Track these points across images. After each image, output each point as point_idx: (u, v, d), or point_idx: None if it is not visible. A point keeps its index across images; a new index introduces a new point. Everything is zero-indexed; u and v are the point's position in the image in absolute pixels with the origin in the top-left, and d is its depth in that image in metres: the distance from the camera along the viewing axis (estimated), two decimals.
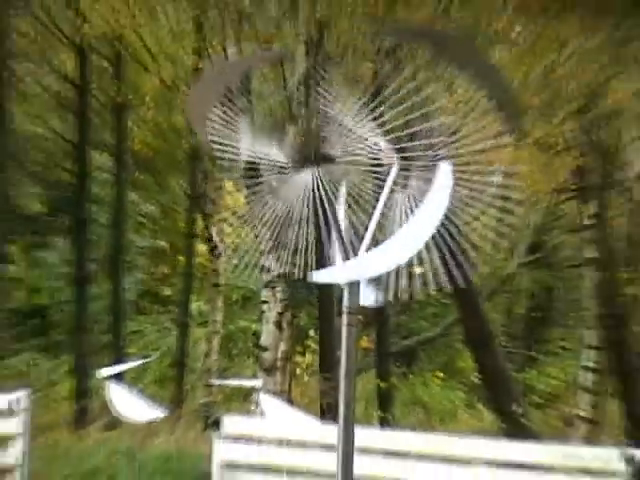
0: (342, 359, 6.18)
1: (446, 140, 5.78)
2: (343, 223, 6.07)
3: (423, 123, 5.79)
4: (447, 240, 5.80)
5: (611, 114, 17.99)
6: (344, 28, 17.17)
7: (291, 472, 15.68)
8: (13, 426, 17.77)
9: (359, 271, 5.81)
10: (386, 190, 5.93)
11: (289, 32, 16.49)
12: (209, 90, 6.13)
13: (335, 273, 5.95)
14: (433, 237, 5.82)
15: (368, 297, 6.10)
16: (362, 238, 5.88)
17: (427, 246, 5.80)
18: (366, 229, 5.92)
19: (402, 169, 5.92)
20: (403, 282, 5.79)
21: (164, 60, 18.89)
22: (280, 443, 15.97)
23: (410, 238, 5.47)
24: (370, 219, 5.97)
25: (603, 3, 16.30)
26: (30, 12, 24.43)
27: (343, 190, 6.18)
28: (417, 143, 5.81)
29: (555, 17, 16.08)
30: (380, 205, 5.92)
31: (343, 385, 6.25)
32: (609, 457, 15.30)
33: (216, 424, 16.37)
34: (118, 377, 13.69)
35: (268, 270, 17.45)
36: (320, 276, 5.91)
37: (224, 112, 6.01)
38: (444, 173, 5.56)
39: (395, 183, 5.93)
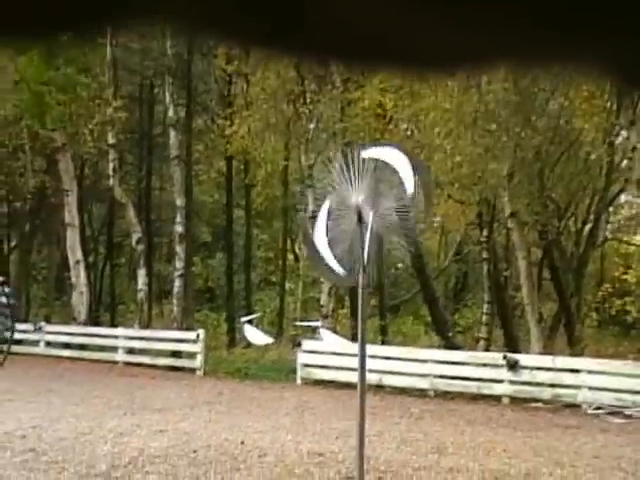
0: (359, 310, 8.41)
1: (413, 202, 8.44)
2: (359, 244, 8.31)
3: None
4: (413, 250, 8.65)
5: (495, 184, 21.50)
6: None
7: (338, 368, 19.50)
8: (198, 347, 22.31)
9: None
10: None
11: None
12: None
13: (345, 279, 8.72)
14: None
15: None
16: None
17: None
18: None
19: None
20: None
21: (268, 161, 24.63)
22: (331, 353, 19.68)
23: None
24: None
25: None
26: (204, 142, 34.62)
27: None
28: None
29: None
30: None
31: (360, 323, 8.43)
32: (496, 357, 18.74)
33: (299, 344, 20.89)
34: (250, 321, 17.26)
35: None
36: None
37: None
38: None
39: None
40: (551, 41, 0.75)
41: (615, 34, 0.74)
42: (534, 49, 0.77)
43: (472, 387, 19.45)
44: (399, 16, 0.73)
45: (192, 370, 23.33)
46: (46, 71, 24.85)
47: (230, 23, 0.74)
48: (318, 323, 22.35)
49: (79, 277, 28.15)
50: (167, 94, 28.57)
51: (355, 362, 8.55)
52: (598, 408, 17.74)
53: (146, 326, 27.96)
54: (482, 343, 24.89)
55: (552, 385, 18.79)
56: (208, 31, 0.79)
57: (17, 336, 25.99)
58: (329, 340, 18.99)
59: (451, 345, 25.12)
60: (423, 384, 19.92)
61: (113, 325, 31.32)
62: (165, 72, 28.63)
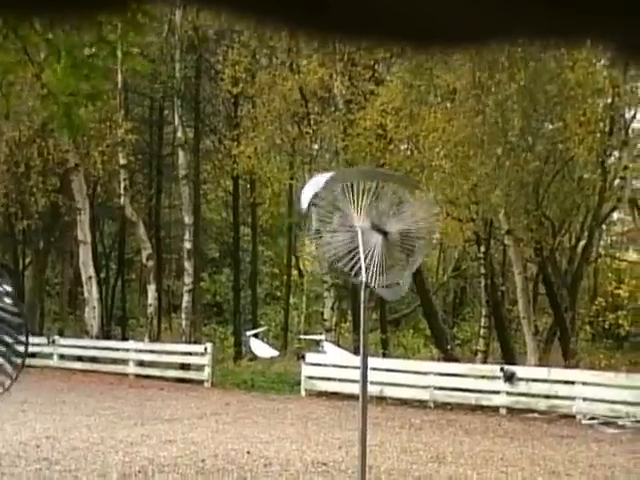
0: (361, 324, 8.60)
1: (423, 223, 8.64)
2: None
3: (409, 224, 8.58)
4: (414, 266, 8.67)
5: (494, 205, 21.49)
6: None
7: (340, 380, 19.40)
8: (205, 360, 22.23)
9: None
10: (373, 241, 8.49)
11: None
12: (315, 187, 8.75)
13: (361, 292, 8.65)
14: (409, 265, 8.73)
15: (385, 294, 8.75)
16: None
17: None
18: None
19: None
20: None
21: (274, 180, 24.51)
22: (334, 365, 19.62)
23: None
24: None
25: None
26: (212, 162, 34.24)
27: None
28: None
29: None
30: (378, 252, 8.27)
31: (362, 337, 8.47)
32: (494, 370, 18.67)
33: (303, 357, 20.83)
34: (256, 335, 17.31)
35: (325, 282, 24.38)
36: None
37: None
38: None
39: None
40: (566, 18, 0.73)
41: (629, 14, 0.73)
42: (551, 25, 0.75)
43: (471, 398, 19.43)
44: None
45: (200, 382, 23.30)
46: (73, 82, 24.80)
47: (256, 5, 0.73)
48: (321, 337, 22.45)
49: (91, 292, 28.12)
50: (176, 116, 28.72)
51: (357, 374, 8.55)
52: (592, 418, 17.71)
53: (156, 339, 27.98)
54: (480, 355, 24.85)
55: (548, 396, 18.78)
56: (234, 14, 0.78)
57: (31, 349, 25.88)
58: (332, 353, 19.02)
59: (450, 357, 25.03)
60: (423, 395, 19.91)
61: (124, 338, 31.36)
62: (174, 95, 28.78)
